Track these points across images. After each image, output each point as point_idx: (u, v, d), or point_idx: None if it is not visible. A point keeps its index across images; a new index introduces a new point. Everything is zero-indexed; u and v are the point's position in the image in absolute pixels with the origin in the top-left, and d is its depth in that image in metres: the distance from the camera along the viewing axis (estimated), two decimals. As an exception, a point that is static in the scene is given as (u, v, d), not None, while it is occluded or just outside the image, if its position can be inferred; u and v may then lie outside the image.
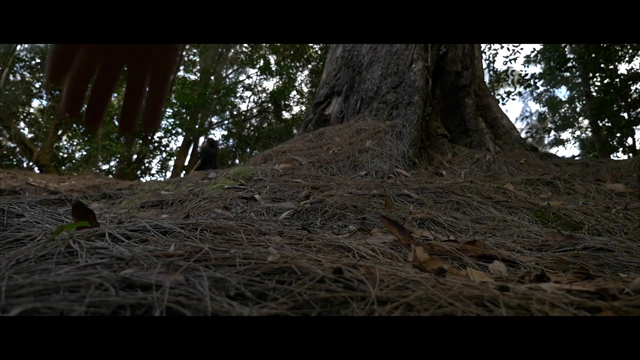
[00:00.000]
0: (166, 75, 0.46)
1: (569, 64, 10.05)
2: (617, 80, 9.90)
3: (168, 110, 13.21)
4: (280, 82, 14.02)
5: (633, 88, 10.13)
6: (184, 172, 12.79)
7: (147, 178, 14.14)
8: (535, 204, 1.73)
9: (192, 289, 0.44)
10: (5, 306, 0.38)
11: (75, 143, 14.39)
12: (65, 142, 14.17)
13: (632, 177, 2.57)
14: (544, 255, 0.98)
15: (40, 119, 13.70)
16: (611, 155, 11.11)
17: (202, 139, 15.35)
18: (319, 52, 13.47)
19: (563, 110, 18.03)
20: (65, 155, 14.17)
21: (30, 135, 13.42)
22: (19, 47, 12.71)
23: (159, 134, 13.90)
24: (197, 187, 2.26)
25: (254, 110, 14.80)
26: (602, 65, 9.69)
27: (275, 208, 1.61)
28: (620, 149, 11.79)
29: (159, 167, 14.52)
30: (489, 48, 12.89)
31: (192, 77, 15.60)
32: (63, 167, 13.22)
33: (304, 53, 13.74)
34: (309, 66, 14.36)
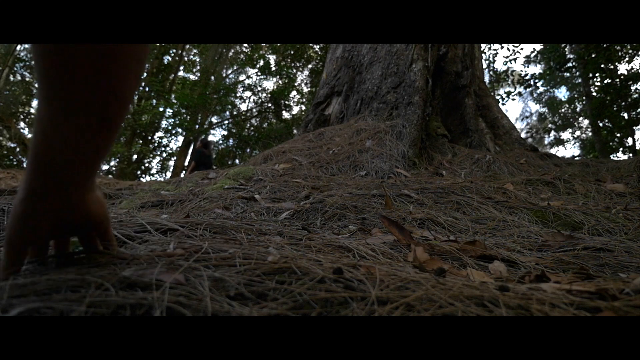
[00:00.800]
0: (106, 232, 0.59)
1: (569, 64, 10.05)
2: (617, 80, 9.90)
3: (168, 110, 13.22)
4: (280, 82, 14.03)
5: (633, 88, 10.13)
6: (184, 172, 12.79)
7: (147, 178, 14.14)
8: (535, 204, 1.73)
9: (192, 289, 0.44)
10: (5, 306, 0.38)
11: (75, 143, 14.36)
12: (65, 142, 14.14)
13: (632, 177, 2.57)
14: (544, 255, 0.98)
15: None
16: (611, 156, 11.12)
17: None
18: (319, 53, 13.47)
19: (563, 110, 18.04)
20: (65, 156, 14.13)
21: (30, 135, 13.40)
22: (19, 47, 12.71)
23: (159, 134, 13.91)
24: (197, 187, 2.26)
25: (254, 110, 14.80)
26: (602, 65, 9.69)
27: (275, 208, 1.61)
28: (620, 149, 11.79)
29: (159, 167, 14.52)
30: (489, 48, 12.89)
31: (192, 77, 15.61)
32: (63, 167, 13.17)
33: (304, 53, 13.75)
34: (309, 66, 14.36)
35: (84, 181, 0.51)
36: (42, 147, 0.47)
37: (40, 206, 0.50)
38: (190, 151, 14.00)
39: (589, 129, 14.07)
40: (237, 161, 14.26)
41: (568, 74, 13.28)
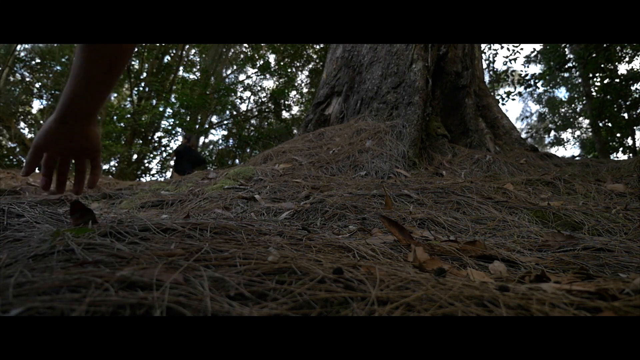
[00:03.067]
0: (97, 160, 0.86)
1: (569, 64, 10.05)
2: (617, 80, 9.90)
3: (168, 110, 13.21)
4: (280, 82, 14.03)
5: (633, 88, 10.12)
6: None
7: (147, 178, 14.13)
8: (535, 204, 1.73)
9: (193, 289, 0.44)
10: (5, 306, 0.38)
11: (75, 143, 14.32)
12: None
13: (632, 177, 2.57)
14: (544, 255, 0.98)
15: (41, 120, 13.69)
16: (611, 156, 11.11)
17: (201, 139, 15.36)
18: (319, 53, 13.46)
19: (563, 110, 18.04)
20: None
21: (30, 135, 13.39)
22: (19, 47, 12.70)
23: (159, 134, 13.91)
24: (197, 187, 2.26)
25: (254, 110, 14.80)
26: (602, 65, 9.69)
27: (275, 208, 1.61)
28: (620, 149, 11.79)
29: (159, 167, 14.50)
30: (489, 48, 12.88)
31: (192, 77, 15.60)
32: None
33: (303, 53, 13.74)
34: (309, 66, 14.36)
35: (94, 112, 0.80)
36: (72, 85, 0.75)
37: (63, 127, 0.79)
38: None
39: (589, 129, 14.07)
40: (237, 161, 14.25)
41: (568, 74, 13.27)
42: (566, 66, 10.09)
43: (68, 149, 0.82)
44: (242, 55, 15.74)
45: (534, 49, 14.42)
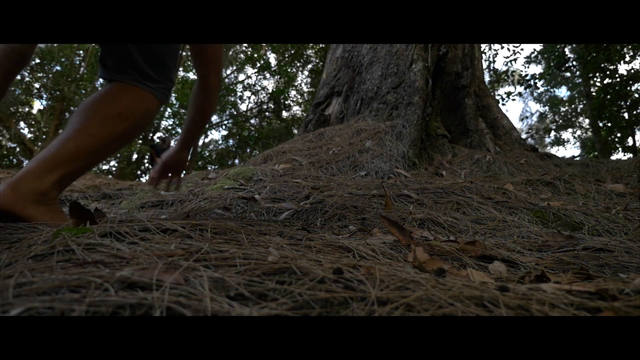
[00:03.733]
0: (180, 173, 1.40)
1: (569, 64, 10.05)
2: (617, 80, 9.90)
3: (168, 110, 13.22)
4: (280, 82, 14.02)
5: (633, 88, 10.12)
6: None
7: (147, 178, 14.11)
8: (535, 204, 1.73)
9: (192, 289, 0.44)
10: (5, 306, 0.38)
11: (75, 143, 14.33)
12: (65, 142, 14.11)
13: (632, 177, 2.57)
14: (544, 255, 0.98)
15: (41, 120, 13.69)
16: (611, 156, 11.11)
17: (201, 140, 15.36)
18: (319, 53, 13.44)
19: (564, 110, 18.05)
20: (65, 155, 14.09)
21: (30, 135, 13.39)
22: (19, 47, 12.66)
23: (159, 133, 13.90)
24: (197, 188, 2.26)
25: (254, 110, 14.79)
26: (602, 65, 9.68)
27: (275, 208, 1.61)
28: (620, 149, 11.79)
29: (158, 167, 14.46)
30: (489, 48, 12.88)
31: (192, 77, 15.60)
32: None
33: (303, 53, 13.72)
34: (309, 66, 14.35)
35: (187, 145, 1.33)
36: (192, 123, 1.31)
37: (170, 157, 1.33)
38: (190, 151, 14.00)
39: (589, 129, 14.06)
40: (237, 161, 14.25)
41: (568, 74, 13.26)
42: (566, 65, 10.09)
43: (172, 168, 1.34)
44: (242, 55, 15.73)
45: (534, 49, 14.43)
